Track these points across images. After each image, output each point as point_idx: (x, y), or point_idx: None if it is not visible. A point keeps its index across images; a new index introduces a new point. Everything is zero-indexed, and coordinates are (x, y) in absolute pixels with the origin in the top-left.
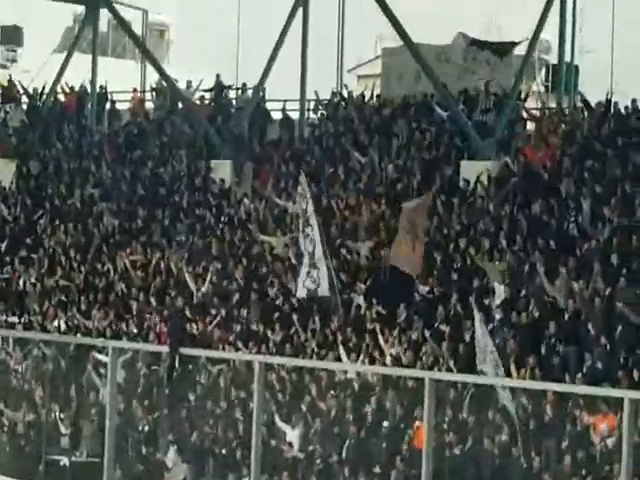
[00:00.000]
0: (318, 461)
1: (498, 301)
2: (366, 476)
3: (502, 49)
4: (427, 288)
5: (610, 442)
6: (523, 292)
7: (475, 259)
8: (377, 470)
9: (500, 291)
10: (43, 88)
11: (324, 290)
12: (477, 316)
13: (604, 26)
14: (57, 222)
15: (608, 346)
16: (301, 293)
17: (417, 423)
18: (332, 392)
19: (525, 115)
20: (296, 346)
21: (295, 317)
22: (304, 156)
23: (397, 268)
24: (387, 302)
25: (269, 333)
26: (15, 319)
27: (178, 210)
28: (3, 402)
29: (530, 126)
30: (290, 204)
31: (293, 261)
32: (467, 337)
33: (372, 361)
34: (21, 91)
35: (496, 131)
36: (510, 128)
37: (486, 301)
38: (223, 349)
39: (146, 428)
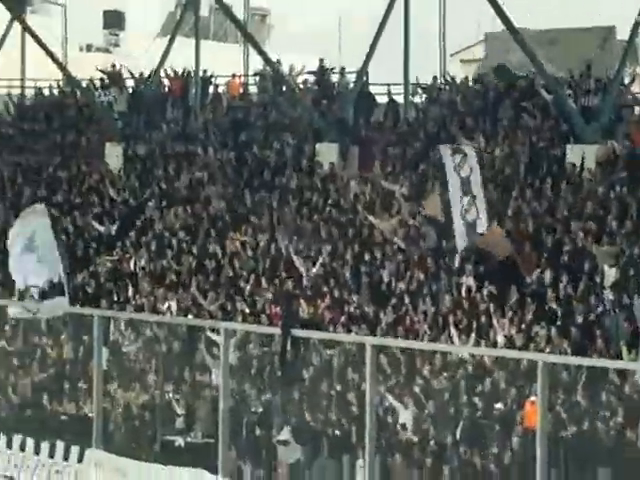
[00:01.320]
0: (432, 442)
1: (608, 284)
2: (480, 457)
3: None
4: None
5: None
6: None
7: (586, 244)
8: (491, 451)
9: (610, 273)
10: (150, 73)
11: (482, 224)
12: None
13: None
14: (165, 205)
15: None
16: (461, 243)
17: (529, 400)
18: (445, 373)
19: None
20: (407, 327)
21: (407, 299)
22: (409, 139)
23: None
24: (498, 283)
25: (380, 315)
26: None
27: (285, 193)
28: (117, 383)
29: (637, 110)
30: (397, 186)
31: (401, 245)
32: (579, 319)
33: (484, 342)
34: (127, 76)
35: (601, 115)
36: (615, 112)
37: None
38: (334, 331)
39: (259, 409)
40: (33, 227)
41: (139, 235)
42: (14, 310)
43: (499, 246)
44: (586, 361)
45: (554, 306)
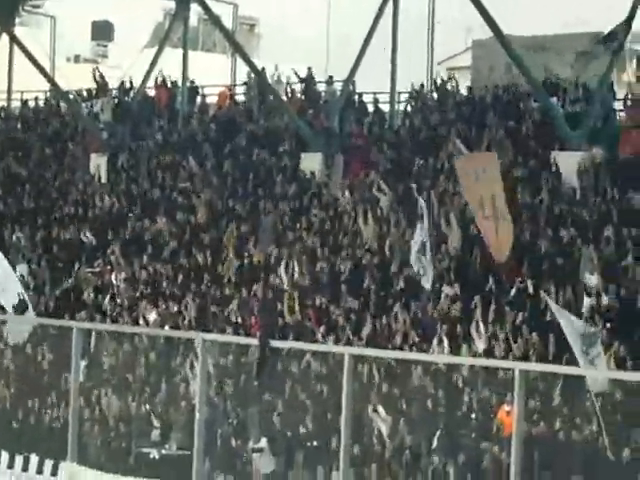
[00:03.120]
0: (407, 452)
1: (590, 290)
2: (455, 467)
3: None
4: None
5: None
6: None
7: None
8: (466, 459)
9: (592, 280)
10: (133, 84)
11: (427, 281)
12: (553, 306)
13: None
14: (148, 215)
15: None
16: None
17: (503, 407)
18: (422, 383)
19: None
20: (386, 337)
21: (385, 308)
22: (396, 147)
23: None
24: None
25: (359, 324)
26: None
27: (269, 202)
28: (94, 395)
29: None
30: (381, 195)
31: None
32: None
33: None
34: (114, 86)
35: (586, 121)
36: (601, 119)
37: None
38: (314, 341)
39: (235, 421)
40: None
41: (122, 245)
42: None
43: (496, 249)
44: (561, 369)
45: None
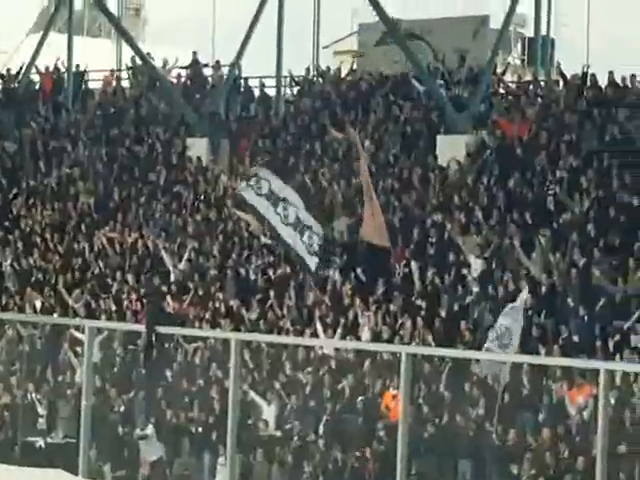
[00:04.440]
0: (295, 438)
1: (475, 274)
2: (343, 452)
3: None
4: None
5: (586, 414)
6: (500, 265)
7: (450, 233)
8: (354, 446)
9: (477, 264)
10: (20, 69)
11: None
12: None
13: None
14: (33, 202)
15: (585, 317)
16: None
17: (390, 392)
18: (309, 368)
19: (502, 89)
20: (272, 322)
21: (272, 293)
22: (280, 132)
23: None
24: (365, 277)
25: (245, 310)
26: None
27: (155, 188)
28: None
29: (507, 100)
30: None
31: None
32: (443, 312)
33: (350, 336)
34: None
35: (472, 105)
36: (486, 102)
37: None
38: (200, 327)
39: (122, 408)
40: None
41: (5, 233)
42: None
43: (380, 235)
44: (449, 352)
45: (420, 298)
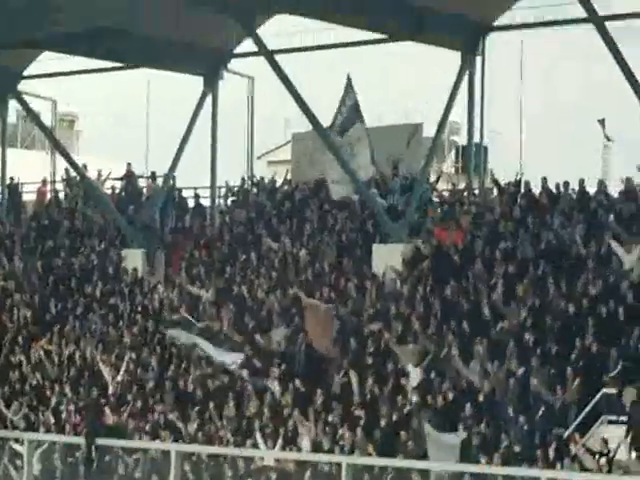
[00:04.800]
0: None
1: (414, 384)
2: None
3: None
4: (342, 372)
5: None
6: (437, 374)
7: (388, 343)
8: None
9: (415, 374)
10: None
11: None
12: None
13: (512, 108)
14: None
15: (525, 426)
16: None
17: None
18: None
19: (435, 197)
20: (212, 434)
21: (211, 405)
22: (215, 243)
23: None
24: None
25: (183, 422)
26: None
27: (91, 300)
28: None
29: (441, 208)
30: (203, 291)
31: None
32: (382, 422)
33: (290, 446)
34: None
35: (407, 214)
36: (421, 210)
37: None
38: (140, 438)
39: None
40: None
41: None
42: None
43: (322, 344)
44: (390, 462)
45: (359, 409)
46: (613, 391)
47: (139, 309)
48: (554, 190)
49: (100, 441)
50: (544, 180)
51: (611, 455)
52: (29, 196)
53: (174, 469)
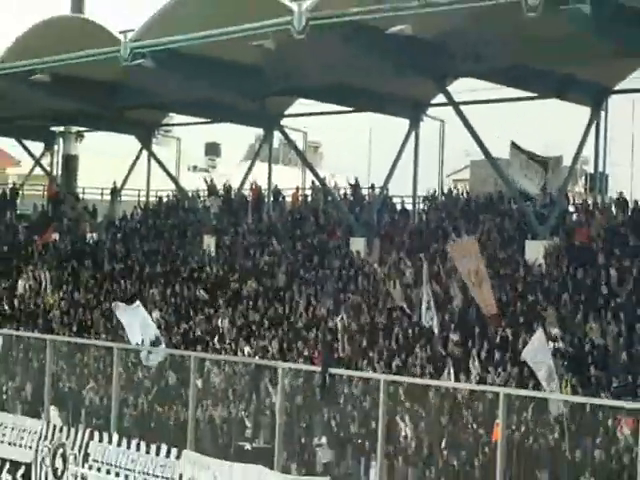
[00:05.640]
0: (425, 449)
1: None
2: (458, 460)
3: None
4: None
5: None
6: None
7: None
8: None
9: (554, 331)
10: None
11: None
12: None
13: (627, 147)
14: (244, 278)
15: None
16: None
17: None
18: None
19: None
20: (410, 369)
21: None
22: (416, 234)
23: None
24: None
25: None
26: None
27: (330, 271)
28: (205, 404)
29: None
30: (406, 268)
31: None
32: None
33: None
34: (221, 188)
35: (550, 219)
36: (560, 217)
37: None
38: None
39: (303, 424)
40: None
41: (226, 300)
42: None
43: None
44: (532, 393)
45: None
46: None
47: (360, 277)
48: None
49: (332, 370)
50: None
51: None
52: (287, 199)
53: (382, 393)
